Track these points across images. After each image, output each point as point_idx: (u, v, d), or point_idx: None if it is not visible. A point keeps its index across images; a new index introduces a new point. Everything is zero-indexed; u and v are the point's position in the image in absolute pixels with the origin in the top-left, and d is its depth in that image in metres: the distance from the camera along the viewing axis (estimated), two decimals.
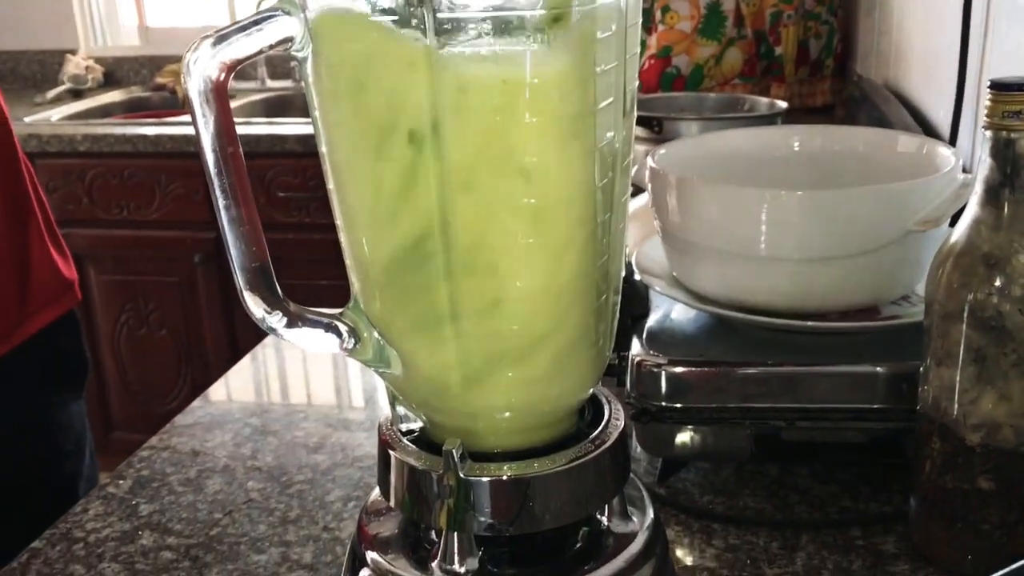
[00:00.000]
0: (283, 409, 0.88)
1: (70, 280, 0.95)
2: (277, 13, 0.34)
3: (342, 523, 0.68)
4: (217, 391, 0.93)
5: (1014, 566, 0.36)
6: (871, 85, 1.51)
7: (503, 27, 0.32)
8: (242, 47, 0.33)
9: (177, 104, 2.65)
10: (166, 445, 0.81)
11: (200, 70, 0.33)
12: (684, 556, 0.63)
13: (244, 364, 0.98)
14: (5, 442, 0.87)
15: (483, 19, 0.32)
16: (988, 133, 0.54)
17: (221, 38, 0.33)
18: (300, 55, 0.34)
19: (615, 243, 0.39)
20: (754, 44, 1.91)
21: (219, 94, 0.34)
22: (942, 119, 1.11)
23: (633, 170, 0.87)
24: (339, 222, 0.37)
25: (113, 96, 2.66)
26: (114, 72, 2.85)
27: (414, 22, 0.32)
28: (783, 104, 1.36)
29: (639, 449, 0.73)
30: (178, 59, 2.80)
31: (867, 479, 0.70)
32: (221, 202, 0.35)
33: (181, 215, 2.18)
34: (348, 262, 0.38)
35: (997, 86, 0.53)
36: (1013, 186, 0.54)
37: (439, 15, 0.32)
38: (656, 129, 1.32)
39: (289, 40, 0.34)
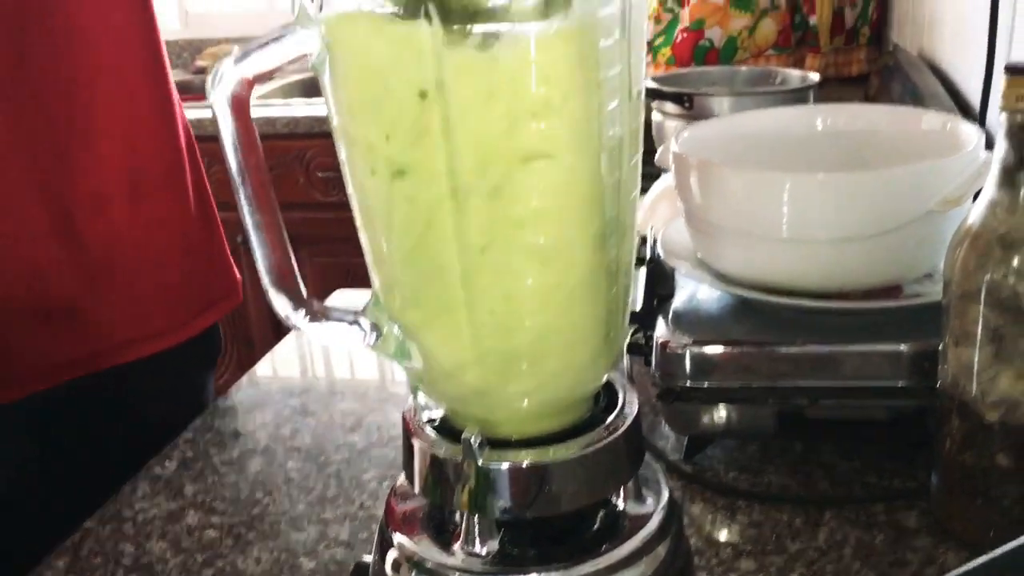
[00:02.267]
0: (323, 388, 0.91)
1: (238, 279, 0.98)
2: (295, 28, 0.35)
3: (377, 502, 0.71)
4: (263, 367, 0.96)
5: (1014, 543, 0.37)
6: (905, 55, 1.50)
7: (504, 16, 0.34)
8: (262, 63, 0.35)
9: None
10: (209, 427, 0.84)
11: (223, 85, 0.35)
12: (709, 532, 0.64)
13: (289, 340, 1.01)
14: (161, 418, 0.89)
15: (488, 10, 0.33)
16: (1003, 116, 0.54)
17: (243, 55, 0.35)
18: (318, 68, 0.36)
19: (624, 237, 0.40)
20: (788, 14, 1.89)
21: (241, 107, 0.36)
22: (973, 90, 1.10)
23: (658, 152, 0.87)
24: (358, 222, 0.39)
25: None
26: None
27: (421, 11, 0.34)
28: (815, 77, 1.35)
29: (667, 427, 0.75)
30: (218, 42, 2.84)
31: (891, 455, 0.71)
32: (245, 208, 0.37)
33: (223, 197, 2.21)
34: (368, 259, 0.40)
35: (1012, 69, 0.53)
36: None
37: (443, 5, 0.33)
38: (687, 105, 1.32)
39: (306, 53, 0.36)
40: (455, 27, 0.34)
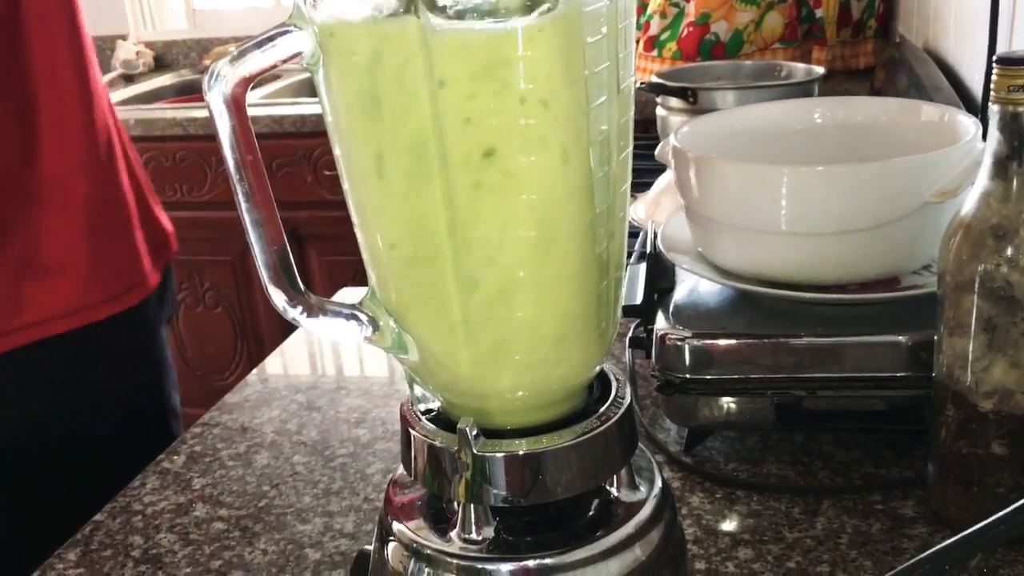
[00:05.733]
0: (329, 384, 0.92)
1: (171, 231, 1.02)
2: (290, 28, 0.36)
3: (381, 494, 0.72)
4: (272, 363, 0.97)
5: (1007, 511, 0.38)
6: (910, 48, 1.50)
7: (491, 11, 0.35)
8: (257, 62, 0.36)
9: None
10: (217, 422, 0.85)
11: (219, 85, 0.36)
12: (707, 522, 0.65)
13: (298, 335, 1.02)
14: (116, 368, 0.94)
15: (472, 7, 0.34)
16: (995, 107, 0.54)
17: (239, 55, 0.36)
18: (312, 67, 0.37)
19: (615, 230, 0.41)
20: (794, 7, 1.89)
21: (238, 106, 0.36)
22: (977, 83, 1.10)
23: (658, 147, 0.88)
24: (355, 219, 0.40)
25: (164, 80, 2.72)
26: (164, 56, 2.91)
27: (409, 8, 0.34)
28: (820, 70, 1.35)
29: (667, 419, 0.76)
30: (226, 41, 2.86)
31: (891, 445, 0.71)
32: (243, 205, 0.38)
33: (232, 195, 2.23)
34: (364, 255, 0.41)
35: (1003, 60, 0.53)
36: (1020, 159, 0.54)
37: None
38: (691, 100, 1.32)
39: (300, 53, 0.36)
40: (442, 22, 0.34)
